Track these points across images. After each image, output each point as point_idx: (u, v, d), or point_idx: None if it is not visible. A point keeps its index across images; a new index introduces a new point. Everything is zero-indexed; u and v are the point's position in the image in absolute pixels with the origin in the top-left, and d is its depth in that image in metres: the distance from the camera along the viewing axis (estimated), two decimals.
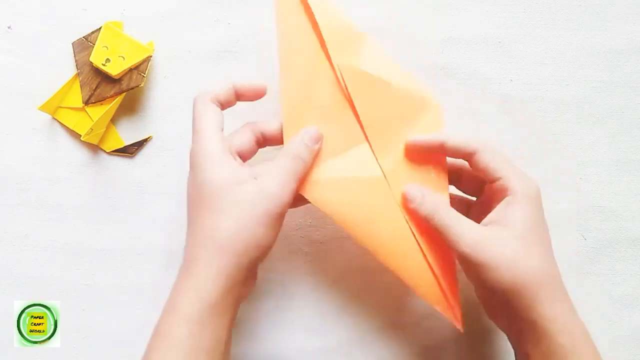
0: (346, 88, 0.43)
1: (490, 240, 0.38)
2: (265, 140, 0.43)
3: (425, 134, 0.42)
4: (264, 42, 0.49)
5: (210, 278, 0.37)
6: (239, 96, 0.42)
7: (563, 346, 0.37)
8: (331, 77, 0.43)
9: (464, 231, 0.39)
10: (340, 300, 0.47)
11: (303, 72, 0.43)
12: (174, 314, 0.37)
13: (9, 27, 0.48)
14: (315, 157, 0.41)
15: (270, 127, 0.43)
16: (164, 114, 0.48)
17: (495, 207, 0.40)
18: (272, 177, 0.39)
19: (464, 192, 0.45)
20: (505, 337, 0.47)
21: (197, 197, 0.39)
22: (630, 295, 0.48)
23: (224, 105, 0.42)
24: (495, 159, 0.40)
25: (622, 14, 0.50)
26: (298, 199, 0.41)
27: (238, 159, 0.40)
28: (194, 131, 0.40)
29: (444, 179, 0.43)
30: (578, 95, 0.49)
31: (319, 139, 0.41)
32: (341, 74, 0.43)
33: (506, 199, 0.40)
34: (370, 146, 0.43)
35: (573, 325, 0.38)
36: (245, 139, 0.42)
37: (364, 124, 0.43)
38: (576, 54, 0.49)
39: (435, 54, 0.49)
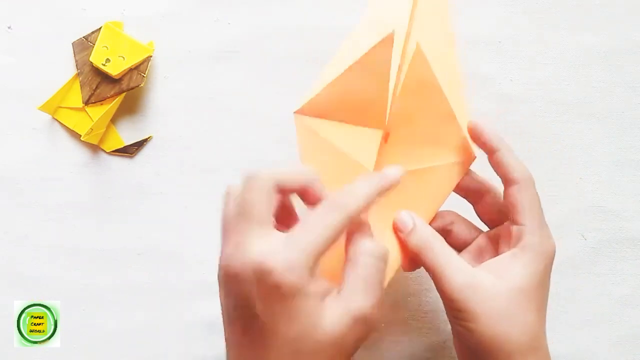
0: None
1: (481, 290, 0.34)
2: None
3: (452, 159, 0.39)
4: (264, 42, 0.49)
5: None
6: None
7: None
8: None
9: (454, 272, 0.35)
10: None
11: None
12: None
13: (9, 27, 0.48)
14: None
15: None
16: (164, 114, 0.48)
17: (501, 252, 0.37)
18: (362, 294, 0.31)
19: (479, 217, 0.41)
20: None
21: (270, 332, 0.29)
22: (630, 295, 0.48)
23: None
24: (526, 201, 0.36)
25: (622, 14, 0.50)
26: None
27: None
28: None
29: (437, 203, 0.40)
30: (578, 95, 0.49)
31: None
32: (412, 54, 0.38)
33: (514, 250, 0.36)
34: (384, 138, 0.39)
35: None
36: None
37: (392, 113, 0.39)
38: (576, 54, 0.49)
39: None
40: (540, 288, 0.36)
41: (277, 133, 0.47)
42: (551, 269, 0.37)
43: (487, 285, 0.35)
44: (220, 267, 0.31)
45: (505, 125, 0.49)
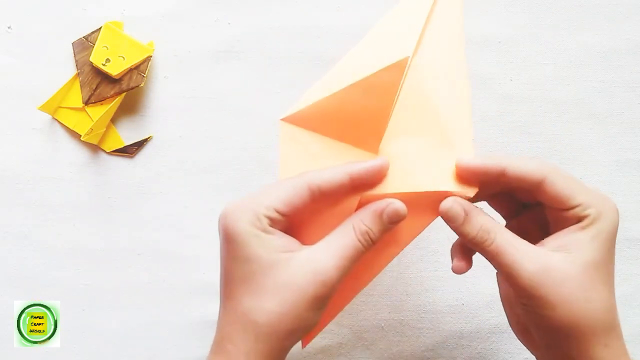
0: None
1: (555, 273, 0.32)
2: (323, 196, 0.34)
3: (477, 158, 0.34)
4: (264, 42, 0.49)
5: None
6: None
7: None
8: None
9: (526, 257, 0.32)
10: None
11: None
12: None
13: (9, 27, 0.48)
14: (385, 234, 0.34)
15: (327, 178, 0.34)
16: (164, 114, 0.48)
17: (555, 232, 0.34)
18: (327, 251, 0.33)
19: (497, 210, 0.39)
20: (506, 338, 0.47)
21: (233, 272, 0.33)
22: (630, 295, 0.48)
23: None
24: (569, 184, 0.33)
25: (622, 14, 0.50)
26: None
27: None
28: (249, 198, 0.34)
29: (417, 231, 0.36)
30: (578, 95, 0.49)
31: (400, 218, 0.34)
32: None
33: (581, 223, 0.33)
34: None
35: None
36: (298, 194, 0.33)
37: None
38: (576, 54, 0.49)
39: None
40: (611, 257, 0.34)
41: (277, 133, 0.46)
42: (616, 234, 0.34)
43: (560, 266, 0.32)
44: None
45: (505, 125, 0.49)
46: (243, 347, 0.32)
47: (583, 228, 0.33)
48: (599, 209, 0.33)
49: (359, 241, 0.33)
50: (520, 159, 0.34)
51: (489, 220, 0.34)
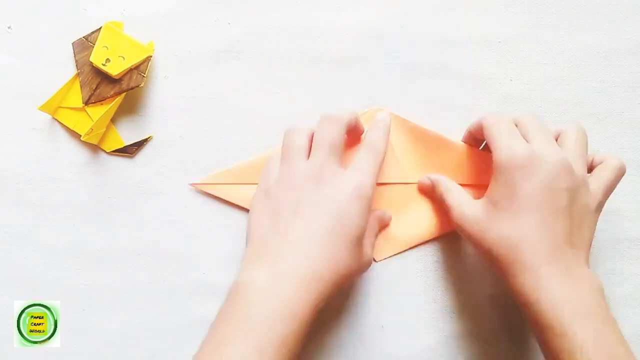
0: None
1: (467, 211, 0.42)
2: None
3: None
4: (264, 42, 0.49)
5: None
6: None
7: (550, 327, 0.37)
8: None
9: (456, 205, 0.43)
10: (340, 300, 0.47)
11: None
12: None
13: (9, 27, 0.48)
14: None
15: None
16: (164, 114, 0.48)
17: None
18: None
19: None
20: (507, 338, 0.47)
21: (365, 221, 0.40)
22: (630, 295, 0.48)
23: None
24: (489, 129, 0.42)
25: (622, 14, 0.50)
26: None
27: None
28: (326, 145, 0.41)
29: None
30: (578, 95, 0.49)
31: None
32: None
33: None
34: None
35: (558, 300, 0.37)
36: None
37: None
38: (576, 54, 0.49)
39: (435, 54, 0.49)
40: (514, 197, 0.39)
41: (277, 133, 0.47)
42: (524, 175, 0.39)
43: (470, 211, 0.42)
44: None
45: None
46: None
47: (493, 172, 0.41)
48: (499, 154, 0.40)
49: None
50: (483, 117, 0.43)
51: (446, 180, 0.46)
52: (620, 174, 0.43)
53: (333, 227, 0.39)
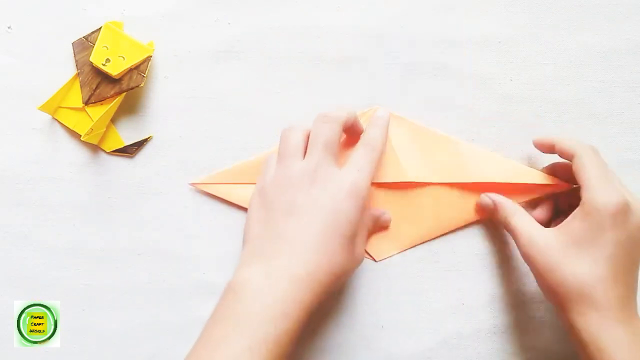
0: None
1: (539, 243, 0.41)
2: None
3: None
4: (264, 42, 0.49)
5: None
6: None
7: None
8: None
9: (524, 232, 0.43)
10: (340, 299, 0.47)
11: None
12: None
13: (9, 27, 0.48)
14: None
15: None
16: (164, 114, 0.48)
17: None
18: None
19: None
20: (507, 338, 0.47)
21: (358, 223, 0.41)
22: None
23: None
24: (581, 165, 0.41)
25: (622, 14, 0.50)
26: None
27: None
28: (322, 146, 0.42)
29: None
30: (578, 95, 0.49)
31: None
32: None
33: (577, 209, 0.41)
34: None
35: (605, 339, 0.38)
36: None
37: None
38: (576, 54, 0.49)
39: (435, 54, 0.49)
40: (598, 241, 0.39)
41: (277, 133, 0.46)
42: (616, 223, 0.39)
43: (543, 239, 0.41)
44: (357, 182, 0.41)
45: (505, 125, 0.49)
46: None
47: (575, 213, 0.41)
48: (593, 196, 0.40)
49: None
50: (564, 139, 0.44)
51: (512, 205, 0.45)
52: None
53: (327, 226, 0.39)
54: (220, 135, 0.48)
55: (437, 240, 0.48)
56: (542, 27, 0.50)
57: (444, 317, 0.47)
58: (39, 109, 0.46)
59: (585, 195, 0.40)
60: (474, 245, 0.48)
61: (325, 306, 0.47)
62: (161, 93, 0.48)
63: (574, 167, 0.42)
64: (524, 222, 0.43)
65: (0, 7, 0.48)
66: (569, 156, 0.43)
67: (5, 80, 0.48)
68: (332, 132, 0.42)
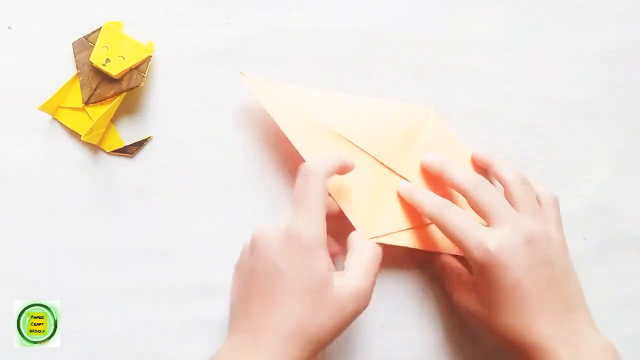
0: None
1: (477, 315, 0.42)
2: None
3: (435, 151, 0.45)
4: (264, 42, 0.49)
5: None
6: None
7: None
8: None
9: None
10: None
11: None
12: None
13: (9, 27, 0.48)
14: None
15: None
16: (164, 114, 0.48)
17: None
18: (364, 276, 0.39)
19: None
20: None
21: (295, 284, 0.37)
22: (630, 295, 0.48)
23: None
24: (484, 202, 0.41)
25: (622, 14, 0.50)
26: None
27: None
28: (305, 206, 0.38)
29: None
30: (578, 95, 0.49)
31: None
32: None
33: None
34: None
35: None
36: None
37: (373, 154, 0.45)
38: (576, 54, 0.49)
39: (435, 54, 0.49)
40: (502, 291, 0.39)
41: (277, 133, 0.46)
42: (504, 268, 0.38)
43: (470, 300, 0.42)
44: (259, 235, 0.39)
45: (505, 125, 0.49)
46: (295, 353, 0.36)
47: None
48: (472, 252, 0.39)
49: (378, 259, 0.40)
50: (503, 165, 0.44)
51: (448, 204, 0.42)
52: (557, 204, 0.44)
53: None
54: (220, 135, 0.48)
55: None
56: (542, 27, 0.50)
57: (444, 317, 0.47)
58: (39, 109, 0.46)
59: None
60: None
61: None
62: (161, 93, 0.48)
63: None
64: (454, 278, 0.44)
65: (0, 7, 0.48)
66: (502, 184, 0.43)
67: (5, 80, 0.48)
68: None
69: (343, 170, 0.42)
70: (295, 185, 0.39)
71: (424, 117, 0.47)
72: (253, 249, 0.39)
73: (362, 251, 0.40)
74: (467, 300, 0.42)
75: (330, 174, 0.40)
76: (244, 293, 0.38)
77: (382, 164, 0.45)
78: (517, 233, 0.39)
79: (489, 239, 0.38)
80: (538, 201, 0.42)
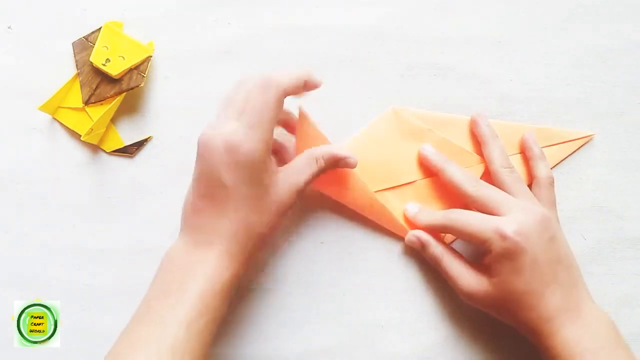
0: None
1: (478, 294, 0.43)
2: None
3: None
4: (264, 42, 0.49)
5: (229, 262, 0.39)
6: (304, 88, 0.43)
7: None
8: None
9: (456, 277, 0.44)
10: (340, 299, 0.47)
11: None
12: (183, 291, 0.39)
13: (9, 27, 0.48)
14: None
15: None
16: (164, 114, 0.48)
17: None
18: (300, 173, 0.42)
19: None
20: (507, 338, 0.47)
21: (244, 193, 0.39)
22: (630, 295, 0.48)
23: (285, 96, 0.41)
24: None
25: (622, 14, 0.50)
26: None
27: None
28: (253, 119, 0.39)
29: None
30: (578, 95, 0.49)
31: (336, 163, 0.43)
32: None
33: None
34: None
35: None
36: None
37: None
38: (576, 54, 0.49)
39: (435, 54, 0.49)
40: (519, 267, 0.41)
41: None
42: (524, 260, 0.40)
43: (480, 291, 0.43)
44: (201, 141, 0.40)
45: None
46: (244, 249, 0.40)
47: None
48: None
49: (319, 169, 0.42)
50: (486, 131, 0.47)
51: (438, 249, 0.45)
52: (552, 182, 0.46)
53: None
54: None
55: None
56: (542, 27, 0.50)
57: (444, 317, 0.47)
58: (39, 109, 0.46)
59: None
60: (474, 245, 0.48)
61: (326, 306, 0.47)
62: (161, 93, 0.48)
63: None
64: (454, 266, 0.44)
65: (0, 7, 0.48)
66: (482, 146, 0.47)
67: (5, 80, 0.48)
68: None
69: (307, 87, 0.42)
70: (250, 92, 0.39)
71: (388, 116, 0.48)
72: (198, 154, 0.40)
73: (304, 159, 0.43)
74: (476, 286, 0.43)
75: (292, 91, 0.41)
76: (196, 193, 0.40)
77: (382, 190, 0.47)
78: (528, 215, 0.41)
79: (505, 226, 0.41)
80: (534, 182, 0.46)
